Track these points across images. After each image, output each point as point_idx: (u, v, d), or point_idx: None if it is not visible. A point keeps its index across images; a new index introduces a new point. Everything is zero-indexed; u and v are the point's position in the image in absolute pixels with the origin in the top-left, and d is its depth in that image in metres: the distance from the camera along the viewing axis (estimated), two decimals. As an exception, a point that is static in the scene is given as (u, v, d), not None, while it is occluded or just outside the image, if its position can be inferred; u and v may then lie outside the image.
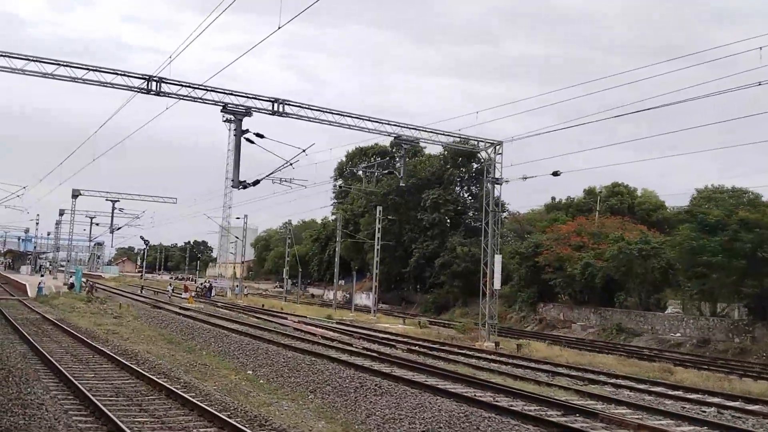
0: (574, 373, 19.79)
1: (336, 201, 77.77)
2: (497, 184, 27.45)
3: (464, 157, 61.60)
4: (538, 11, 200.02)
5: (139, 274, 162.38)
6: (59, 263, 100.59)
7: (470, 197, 62.30)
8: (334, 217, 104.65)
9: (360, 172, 78.51)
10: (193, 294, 59.91)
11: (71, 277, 53.83)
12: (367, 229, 64.51)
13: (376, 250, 43.12)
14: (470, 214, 59.41)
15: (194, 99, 22.51)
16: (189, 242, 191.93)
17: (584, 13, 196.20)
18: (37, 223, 78.56)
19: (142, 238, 62.97)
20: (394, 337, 28.19)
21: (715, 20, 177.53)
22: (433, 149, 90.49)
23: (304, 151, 23.55)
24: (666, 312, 37.19)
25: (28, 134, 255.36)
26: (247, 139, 23.22)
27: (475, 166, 61.73)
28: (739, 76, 22.23)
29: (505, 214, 62.06)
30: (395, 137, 25.47)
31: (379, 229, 43.51)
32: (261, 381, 17.63)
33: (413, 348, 23.78)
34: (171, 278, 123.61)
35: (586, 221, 47.56)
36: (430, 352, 23.15)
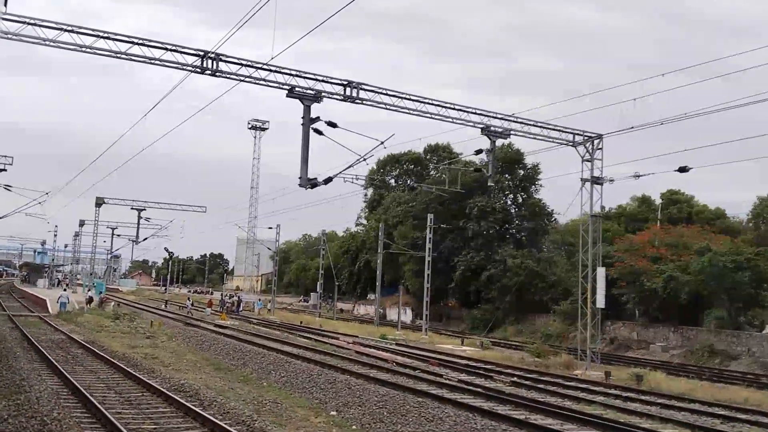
0: (753, 418, 15.76)
1: (367, 210, 74.03)
2: (598, 183, 23.53)
3: (509, 163, 57.75)
4: (552, 27, 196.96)
5: (159, 287, 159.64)
6: (76, 276, 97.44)
7: (515, 207, 58.30)
8: (356, 229, 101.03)
9: (392, 181, 74.94)
10: (218, 309, 56.28)
11: (89, 290, 50.31)
12: (403, 240, 60.71)
13: (427, 262, 39.28)
14: (517, 223, 55.45)
15: (256, 81, 18.90)
16: (205, 255, 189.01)
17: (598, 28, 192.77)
18: (55, 235, 75.67)
19: (166, 249, 59.64)
20: (474, 363, 24.25)
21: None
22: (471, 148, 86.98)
23: (382, 143, 19.86)
24: (764, 332, 32.99)
25: (47, 151, 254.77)
26: (315, 130, 19.56)
27: (521, 173, 57.80)
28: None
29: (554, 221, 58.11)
30: (483, 128, 21.72)
31: (430, 239, 39.74)
32: (353, 427, 13.84)
33: (515, 380, 19.82)
34: (189, 292, 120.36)
35: (661, 231, 43.48)
36: (535, 385, 19.21)
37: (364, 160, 20.15)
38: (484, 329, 48.82)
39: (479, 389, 17.22)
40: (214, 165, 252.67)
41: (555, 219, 57.89)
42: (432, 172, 71.85)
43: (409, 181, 73.40)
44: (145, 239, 49.84)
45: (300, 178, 19.38)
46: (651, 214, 57.61)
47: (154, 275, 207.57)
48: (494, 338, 43.22)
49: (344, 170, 19.79)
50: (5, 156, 34.69)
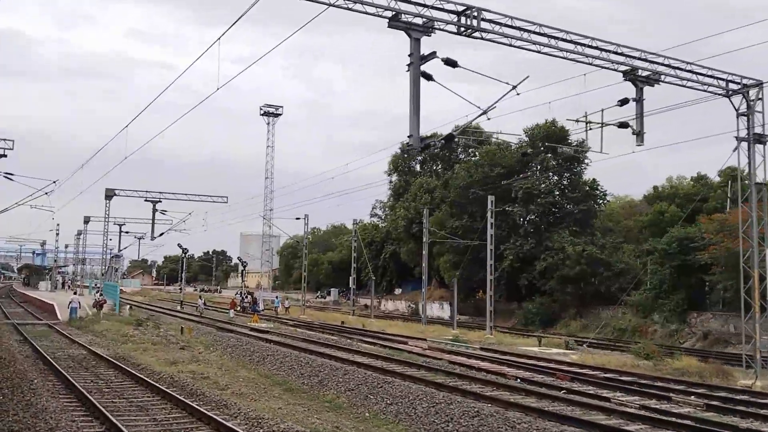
0: None
1: (392, 199, 68.95)
2: (760, 143, 18.59)
3: (552, 141, 52.76)
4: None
5: (163, 286, 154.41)
6: (78, 278, 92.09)
7: (561, 189, 53.30)
8: (371, 220, 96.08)
9: (417, 166, 69.92)
10: (239, 308, 51.26)
11: (98, 293, 45.06)
12: (437, 229, 55.80)
13: (489, 251, 34.28)
14: (567, 207, 50.46)
15: (350, 7, 13.90)
16: (208, 252, 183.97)
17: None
18: (57, 234, 70.53)
19: (179, 246, 54.44)
20: (604, 374, 19.37)
21: None
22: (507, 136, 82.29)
23: (514, 87, 14.90)
24: None
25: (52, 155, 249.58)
26: (425, 75, 14.60)
27: (566, 151, 52.73)
28: None
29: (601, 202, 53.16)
30: (626, 71, 16.80)
31: (492, 224, 34.73)
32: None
33: (706, 401, 14.89)
34: (197, 291, 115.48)
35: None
36: (734, 407, 14.33)
37: (485, 113, 15.21)
38: (541, 324, 43.99)
39: (688, 421, 12.32)
40: (220, 164, 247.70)
41: (608, 200, 53.08)
42: (461, 156, 66.96)
43: (435, 167, 68.48)
44: (161, 234, 44.91)
45: (409, 137, 14.49)
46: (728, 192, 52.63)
47: (154, 275, 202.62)
48: (561, 334, 38.42)
49: (464, 126, 14.80)
50: (5, 140, 29.59)
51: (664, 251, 37.41)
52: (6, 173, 29.17)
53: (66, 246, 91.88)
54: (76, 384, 14.86)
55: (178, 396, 13.88)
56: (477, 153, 62.69)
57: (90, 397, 13.42)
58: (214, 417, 11.81)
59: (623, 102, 16.84)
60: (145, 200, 42.73)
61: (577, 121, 17.18)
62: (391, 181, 68.39)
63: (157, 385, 15.32)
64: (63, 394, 14.32)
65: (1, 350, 21.91)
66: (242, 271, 59.11)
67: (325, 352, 22.50)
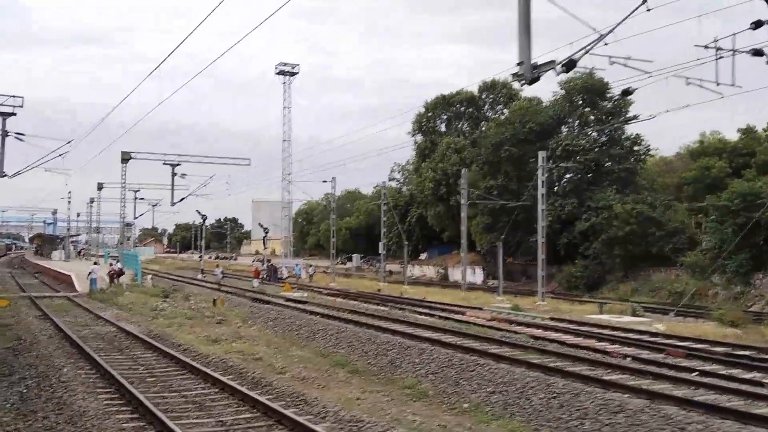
0: None
1: (417, 160, 65.89)
2: None
3: (590, 95, 49.53)
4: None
5: (174, 254, 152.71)
6: (91, 247, 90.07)
7: (601, 145, 50.13)
8: (390, 184, 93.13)
9: (442, 126, 66.65)
10: (264, 276, 48.69)
11: (117, 262, 42.46)
12: (469, 189, 52.97)
13: (540, 211, 31.46)
14: (609, 164, 47.41)
15: None
16: (220, 219, 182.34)
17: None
18: (69, 201, 68.16)
19: (198, 212, 51.99)
20: (712, 348, 16.77)
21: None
22: (536, 92, 78.82)
23: (644, 2, 11.95)
24: None
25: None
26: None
27: (606, 105, 49.49)
28: None
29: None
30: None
31: (543, 182, 31.76)
32: None
33: None
34: (213, 258, 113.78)
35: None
36: None
37: (602, 38, 12.28)
38: (587, 289, 41.48)
39: None
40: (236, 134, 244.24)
41: (650, 156, 49.99)
42: (489, 113, 63.70)
43: (459, 125, 65.23)
44: (182, 199, 42.30)
45: (519, 65, 11.55)
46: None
47: (166, 242, 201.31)
48: (609, 298, 35.90)
49: (584, 50, 11.88)
50: (14, 96, 26.80)
51: (726, 208, 34.54)
52: (17, 133, 26.48)
53: (78, 215, 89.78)
54: (113, 373, 12.37)
55: (239, 388, 11.36)
56: (506, 110, 59.47)
57: (134, 391, 10.92)
58: (300, 421, 9.27)
59: (757, 25, 13.86)
60: (164, 163, 40.10)
61: (705, 47, 14.28)
62: (415, 142, 65.30)
63: (209, 372, 12.82)
64: (100, 387, 11.82)
65: (20, 329, 19.54)
66: (264, 237, 56.62)
67: (382, 326, 19.97)
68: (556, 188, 47.72)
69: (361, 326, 20.16)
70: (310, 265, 59.82)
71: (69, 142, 26.49)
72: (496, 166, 50.45)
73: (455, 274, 56.98)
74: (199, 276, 52.05)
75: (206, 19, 16.00)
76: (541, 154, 32.74)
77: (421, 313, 24.59)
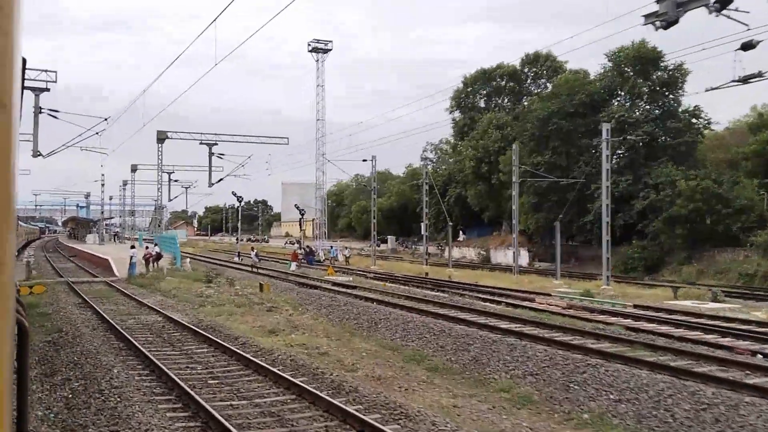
0: None
1: (456, 137, 63.59)
2: None
3: (643, 65, 46.63)
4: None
5: (206, 237, 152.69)
6: (124, 230, 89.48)
7: (654, 118, 47.29)
8: (420, 164, 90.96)
9: (482, 102, 64.15)
10: (303, 260, 47.02)
11: (154, 246, 40.89)
12: (510, 168, 50.69)
13: (605, 188, 28.95)
14: (663, 138, 44.63)
15: None
16: (250, 201, 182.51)
17: None
18: (102, 184, 67.26)
19: (234, 194, 50.39)
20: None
21: None
22: (582, 64, 75.71)
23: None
24: None
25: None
26: None
27: (660, 76, 46.55)
28: None
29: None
30: None
31: (607, 156, 29.24)
32: None
33: None
34: (246, 240, 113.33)
35: None
36: None
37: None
38: (645, 271, 39.11)
39: None
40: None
41: (711, 130, 47.05)
42: (531, 87, 61.03)
43: (499, 100, 62.65)
44: (220, 180, 40.70)
45: (659, 1, 9.39)
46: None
47: (196, 225, 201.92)
48: (672, 281, 33.59)
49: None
50: (47, 71, 25.26)
51: None
52: (51, 110, 24.99)
53: (110, 198, 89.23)
54: (171, 375, 10.71)
55: (321, 395, 9.58)
56: (550, 84, 56.78)
57: (200, 400, 9.21)
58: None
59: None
60: (200, 143, 38.51)
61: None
62: (453, 120, 62.98)
63: (279, 372, 11.08)
64: (158, 393, 10.15)
65: (60, 319, 18.09)
66: (301, 220, 55.04)
67: (450, 315, 18.11)
68: (612, 164, 45.12)
69: (427, 315, 18.31)
70: (346, 247, 58.23)
71: (105, 119, 24.92)
72: (543, 142, 48.01)
73: (497, 256, 54.87)
74: (236, 259, 50.76)
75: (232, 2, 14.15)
76: (605, 126, 30.33)
77: (485, 300, 22.63)
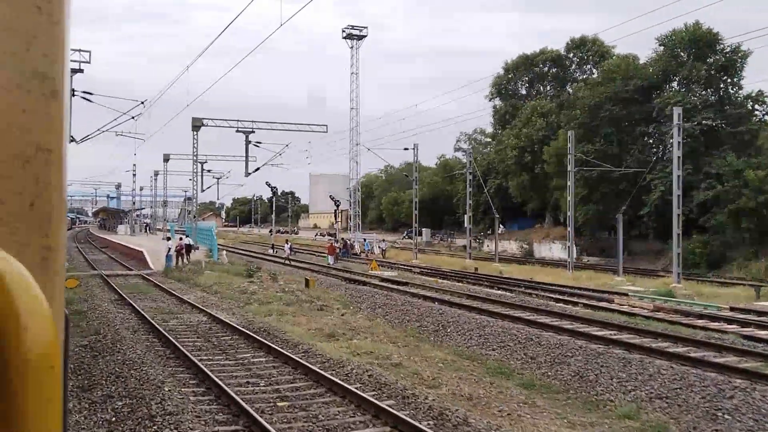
0: None
1: (497, 125, 61.11)
2: None
3: (698, 48, 43.77)
4: None
5: (234, 228, 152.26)
6: (154, 221, 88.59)
7: (712, 104, 44.39)
8: (454, 156, 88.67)
9: (523, 90, 61.61)
10: (340, 253, 45.17)
11: (186, 237, 39.14)
12: (559, 156, 48.26)
13: (676, 179, 26.51)
14: (723, 125, 41.78)
15: None
16: (276, 192, 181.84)
17: None
18: (134, 174, 66.26)
19: (267, 184, 48.81)
20: None
21: None
22: (629, 48, 73.46)
23: None
24: None
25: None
26: None
27: (717, 60, 43.63)
28: None
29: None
30: None
31: (679, 143, 26.74)
32: None
33: None
34: (281, 233, 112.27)
35: None
36: None
37: None
38: (708, 267, 36.53)
39: None
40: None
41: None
42: (576, 74, 58.30)
43: (542, 88, 60.00)
44: (257, 170, 38.86)
45: None
46: None
47: (223, 217, 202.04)
48: (740, 279, 31.10)
49: None
50: (81, 50, 23.65)
51: None
52: (84, 92, 23.40)
53: (140, 188, 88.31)
54: (232, 394, 8.87)
55: (425, 429, 7.65)
56: (596, 69, 54.04)
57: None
58: None
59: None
60: (237, 130, 36.78)
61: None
62: (494, 107, 60.57)
63: (361, 394, 9.16)
64: (221, 421, 8.30)
65: (96, 318, 16.45)
66: (336, 211, 53.29)
67: (526, 318, 16.08)
68: (665, 154, 42.54)
69: (503, 319, 16.29)
70: (383, 240, 56.37)
71: (142, 103, 23.29)
72: (593, 130, 45.46)
73: (541, 250, 52.47)
74: (269, 251, 49.24)
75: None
76: (677, 110, 27.85)
77: (557, 300, 20.52)
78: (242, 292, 20.95)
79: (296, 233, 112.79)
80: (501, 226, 65.07)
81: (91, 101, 23.90)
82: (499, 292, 22.96)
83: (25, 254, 0.45)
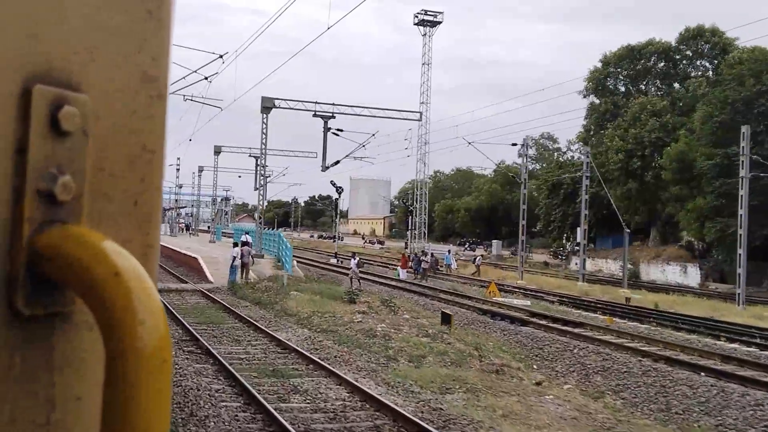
0: None
1: (591, 126, 53.39)
2: None
3: None
4: None
5: (272, 231, 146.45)
6: (184, 219, 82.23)
7: None
8: (516, 162, 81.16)
9: (621, 86, 53.84)
10: (414, 267, 37.69)
11: (246, 236, 31.72)
12: (678, 164, 40.68)
13: None
14: None
15: None
16: (314, 196, 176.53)
17: None
18: (177, 168, 60.56)
19: (332, 183, 42.08)
20: None
21: None
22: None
23: None
24: None
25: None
26: None
27: None
28: None
29: None
30: None
31: None
32: None
33: None
34: (320, 237, 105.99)
35: None
36: None
37: None
38: None
39: None
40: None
41: None
42: (689, 69, 50.49)
43: (643, 86, 52.21)
44: (337, 162, 32.01)
45: None
46: None
47: (259, 219, 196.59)
48: None
49: None
50: None
51: None
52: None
53: (180, 186, 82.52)
54: None
55: None
56: (718, 64, 46.21)
57: None
58: None
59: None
60: (314, 115, 30.07)
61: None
62: (591, 104, 53.00)
63: None
64: None
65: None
66: (411, 217, 46.19)
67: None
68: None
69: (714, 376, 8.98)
70: (482, 255, 48.60)
71: (221, 56, 16.72)
72: (735, 129, 37.68)
73: (651, 272, 44.61)
74: (332, 260, 42.41)
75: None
76: None
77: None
78: (367, 334, 13.86)
79: (341, 239, 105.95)
80: (591, 243, 57.35)
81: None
82: (715, 341, 15.44)
83: (129, 251, 0.48)
